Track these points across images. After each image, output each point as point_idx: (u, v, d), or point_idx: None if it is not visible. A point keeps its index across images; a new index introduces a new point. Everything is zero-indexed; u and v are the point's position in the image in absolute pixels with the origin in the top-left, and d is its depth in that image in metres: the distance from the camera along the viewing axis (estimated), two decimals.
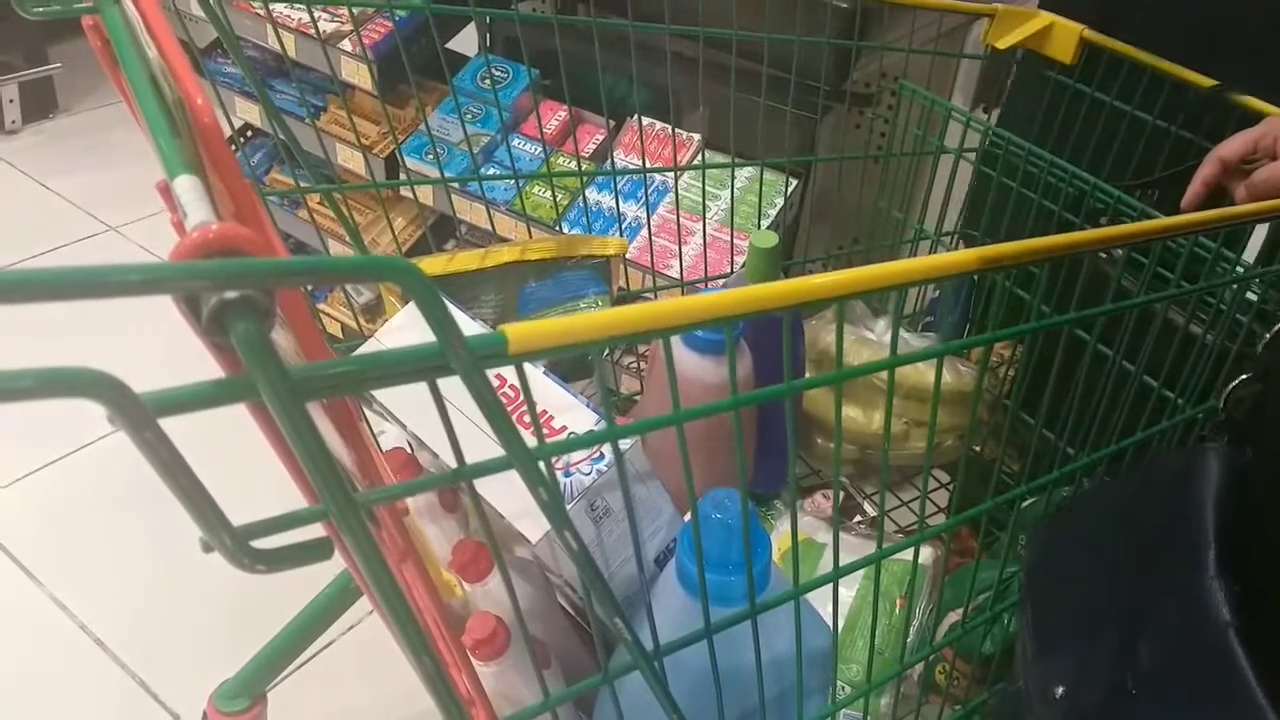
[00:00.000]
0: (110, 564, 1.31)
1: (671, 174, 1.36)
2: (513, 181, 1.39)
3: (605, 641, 0.48)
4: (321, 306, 1.67)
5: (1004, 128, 0.92)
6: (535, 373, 0.63)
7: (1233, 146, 0.77)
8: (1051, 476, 0.61)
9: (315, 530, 0.29)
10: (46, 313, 1.53)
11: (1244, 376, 0.56)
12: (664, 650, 0.44)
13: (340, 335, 1.61)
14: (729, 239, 1.14)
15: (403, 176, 1.53)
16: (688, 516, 0.57)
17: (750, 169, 1.38)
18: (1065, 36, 0.93)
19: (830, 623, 0.53)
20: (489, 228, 1.36)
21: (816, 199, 1.40)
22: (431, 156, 1.49)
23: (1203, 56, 0.87)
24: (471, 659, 0.56)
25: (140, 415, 0.22)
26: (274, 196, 1.66)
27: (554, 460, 0.57)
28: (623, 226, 1.40)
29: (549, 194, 1.42)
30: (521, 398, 0.60)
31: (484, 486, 0.55)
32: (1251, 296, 0.82)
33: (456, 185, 1.43)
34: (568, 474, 0.57)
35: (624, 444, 0.61)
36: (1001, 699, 0.75)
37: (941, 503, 1.08)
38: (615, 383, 1.12)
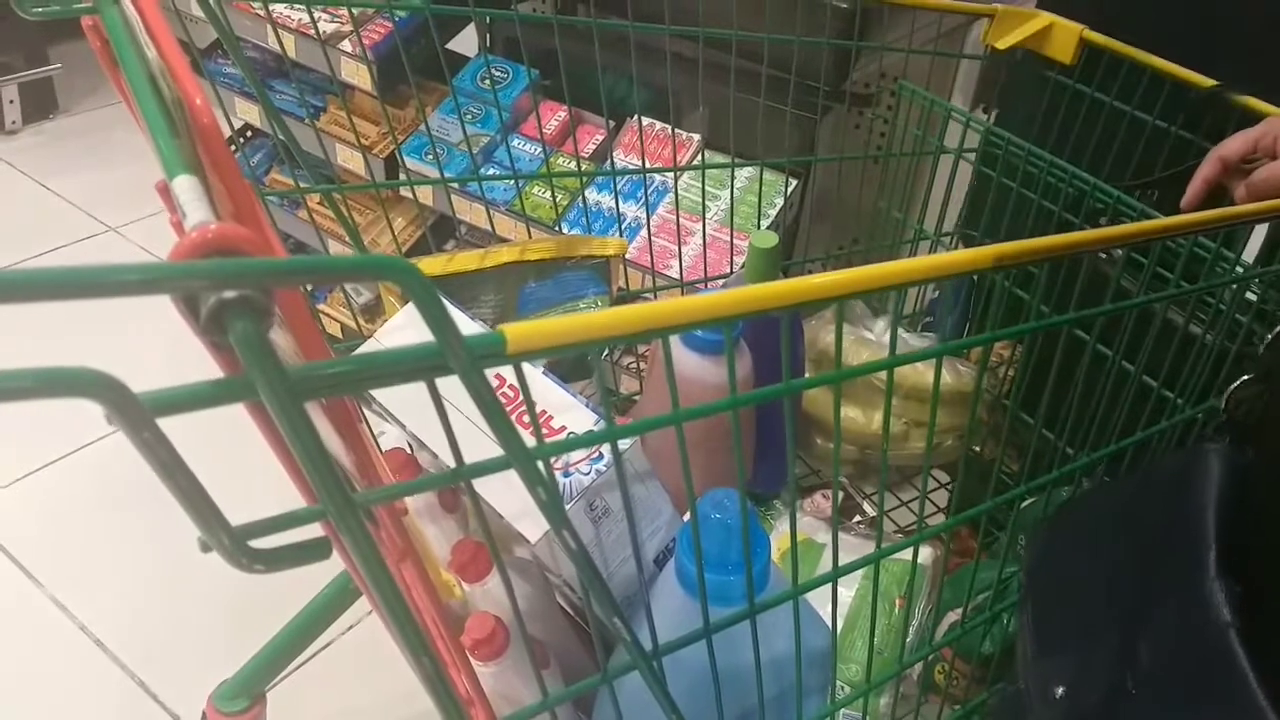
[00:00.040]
0: (110, 564, 1.31)
1: (671, 174, 1.36)
2: (512, 182, 1.39)
3: (604, 641, 0.48)
4: (321, 307, 1.67)
5: (1004, 128, 0.92)
6: (535, 373, 0.63)
7: (1233, 146, 0.77)
8: (1051, 476, 0.61)
9: (314, 530, 0.29)
10: (47, 313, 1.53)
11: (1245, 378, 0.56)
12: (663, 650, 0.44)
13: (340, 335, 1.61)
14: (729, 239, 1.14)
15: (402, 177, 1.53)
16: (687, 516, 0.57)
17: (750, 169, 1.38)
18: (1065, 37, 0.93)
19: (829, 623, 0.53)
20: (489, 228, 1.36)
21: (816, 199, 1.40)
22: (431, 157, 1.49)
23: (1202, 56, 0.87)
24: (470, 659, 0.56)
25: (138, 415, 0.22)
26: (274, 197, 1.66)
27: (553, 460, 0.57)
28: (622, 227, 1.40)
29: (549, 194, 1.42)
30: (521, 398, 0.61)
31: (483, 486, 0.55)
32: (1251, 296, 0.82)
33: (456, 185, 1.43)
34: (567, 474, 0.57)
35: (623, 444, 0.61)
36: (1001, 699, 0.75)
37: (941, 503, 1.08)
38: (615, 383, 1.12)
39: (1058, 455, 0.72)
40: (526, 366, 0.51)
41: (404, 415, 0.61)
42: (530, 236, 1.25)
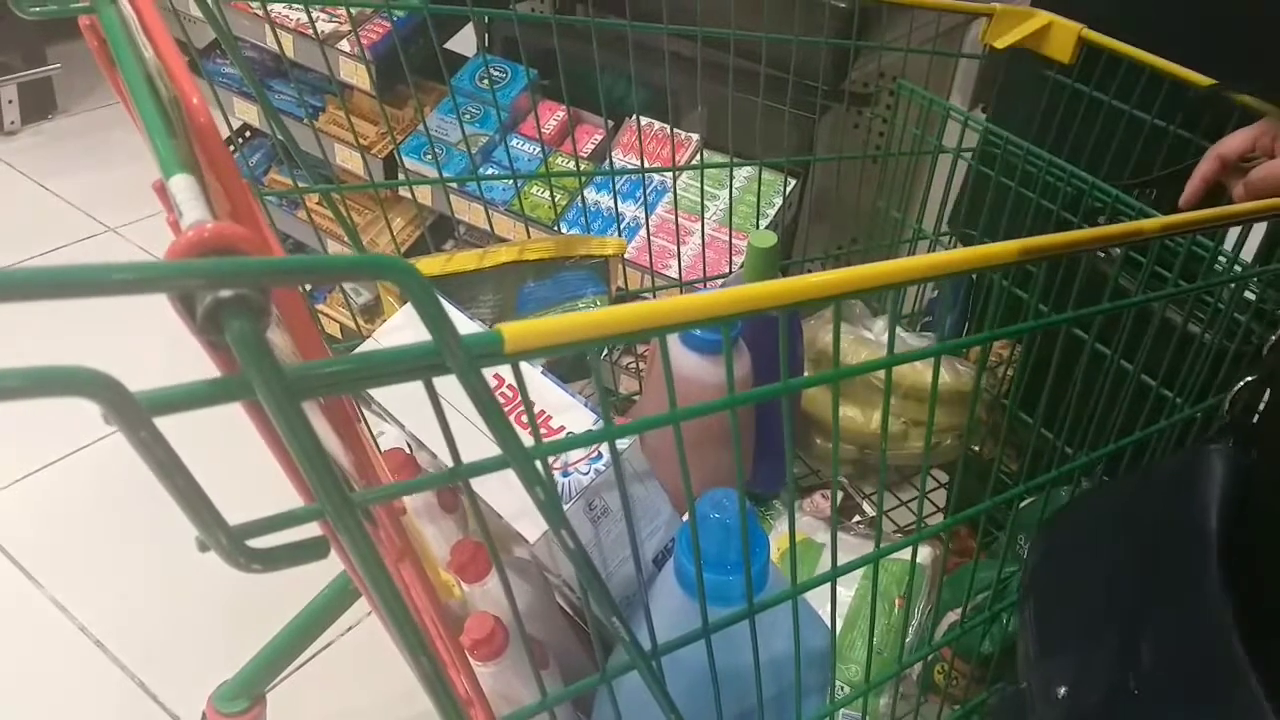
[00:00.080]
0: (110, 565, 1.31)
1: (670, 174, 1.36)
2: (511, 182, 1.39)
3: (603, 641, 0.48)
4: (320, 307, 1.67)
5: (1003, 127, 0.92)
6: (533, 372, 0.63)
7: (1231, 144, 0.77)
8: (1050, 476, 0.61)
9: (312, 530, 0.29)
10: (46, 314, 1.53)
11: (1248, 379, 0.56)
12: (662, 650, 0.44)
13: (339, 336, 1.61)
14: (727, 239, 1.14)
15: (401, 177, 1.53)
16: (686, 516, 0.57)
17: (749, 169, 1.38)
18: (1063, 36, 0.93)
19: (829, 622, 0.53)
20: (487, 228, 1.36)
21: (815, 199, 1.40)
22: (430, 157, 1.49)
23: (1202, 56, 0.87)
24: (470, 659, 0.56)
25: (135, 414, 0.22)
26: (272, 197, 1.66)
27: (552, 460, 0.57)
28: (621, 226, 1.40)
29: (547, 194, 1.42)
30: (519, 397, 0.60)
31: (482, 486, 0.55)
32: (1249, 295, 0.82)
33: (455, 185, 1.43)
34: (566, 474, 0.57)
35: (622, 444, 0.61)
36: (1001, 699, 0.75)
37: (940, 503, 1.08)
38: (614, 383, 1.12)
39: (1056, 454, 0.72)
40: (525, 366, 0.51)
41: (403, 415, 0.61)
42: (529, 236, 1.25)
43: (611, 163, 1.02)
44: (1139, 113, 0.92)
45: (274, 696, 0.98)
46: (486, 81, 1.52)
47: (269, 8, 1.42)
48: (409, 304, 0.25)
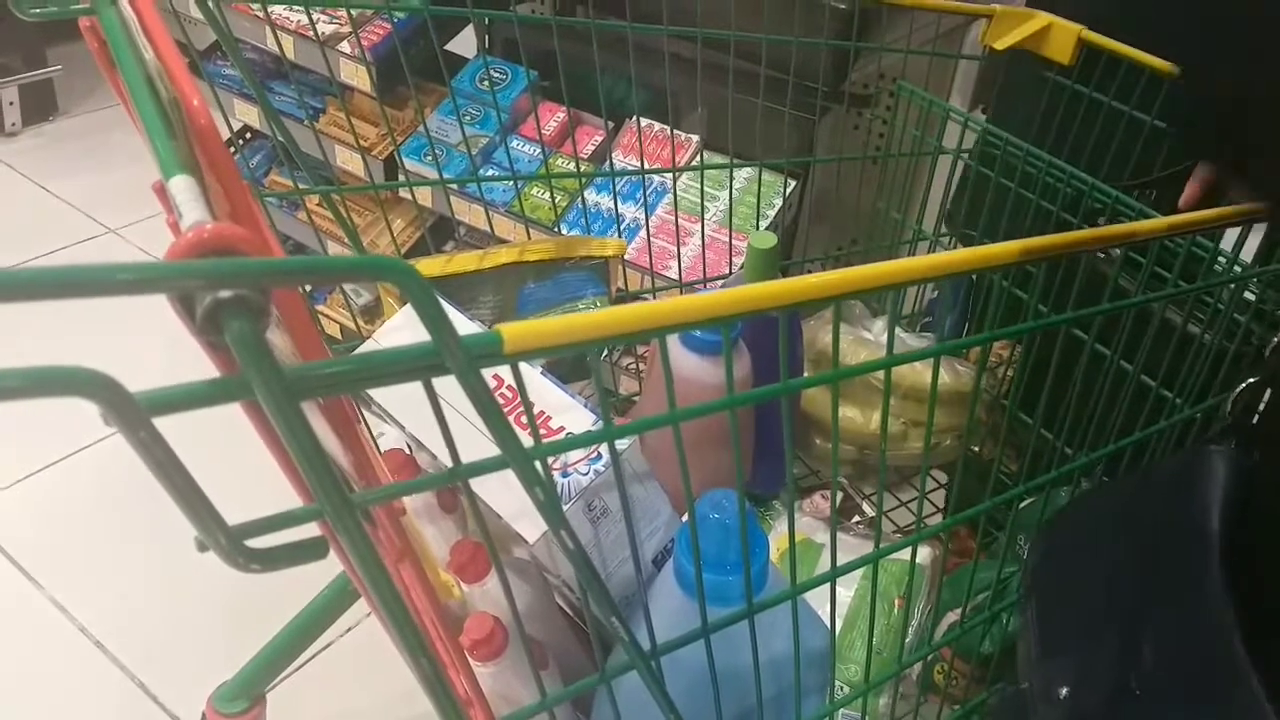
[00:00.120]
0: (110, 566, 1.31)
1: (670, 175, 1.36)
2: (511, 183, 1.39)
3: (603, 641, 0.48)
4: (320, 308, 1.67)
5: (1002, 128, 0.92)
6: (533, 373, 0.63)
7: None
8: (1049, 476, 0.61)
9: (311, 530, 0.29)
10: (46, 314, 1.53)
11: (1251, 380, 0.56)
12: (661, 650, 0.44)
13: (339, 336, 1.61)
14: (727, 240, 1.14)
15: (401, 178, 1.53)
16: (686, 517, 0.58)
17: (749, 170, 1.38)
18: (1063, 37, 0.93)
19: (828, 623, 0.53)
20: (488, 229, 1.36)
21: (815, 200, 1.40)
22: (430, 158, 1.49)
23: (1202, 56, 0.87)
24: (469, 660, 0.56)
25: (134, 414, 0.22)
26: (273, 198, 1.66)
27: (552, 460, 0.57)
28: (621, 227, 1.40)
29: (548, 195, 1.42)
30: (519, 398, 0.60)
31: (481, 487, 0.55)
32: (1249, 296, 0.82)
33: (455, 187, 1.43)
34: (565, 474, 0.57)
35: (621, 444, 0.61)
36: (1001, 699, 0.75)
37: (940, 503, 1.08)
38: (614, 384, 1.12)
39: (1056, 455, 0.72)
40: (525, 367, 0.51)
41: (403, 416, 0.61)
42: (529, 237, 1.26)
43: (611, 164, 1.02)
44: (1139, 114, 0.92)
45: (274, 697, 0.98)
46: (487, 83, 1.52)
47: (269, 9, 1.42)
48: (409, 305, 0.25)
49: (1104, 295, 0.57)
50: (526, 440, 0.32)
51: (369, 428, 0.66)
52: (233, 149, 1.59)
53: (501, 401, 0.59)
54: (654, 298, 1.07)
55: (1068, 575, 0.57)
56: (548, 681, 0.60)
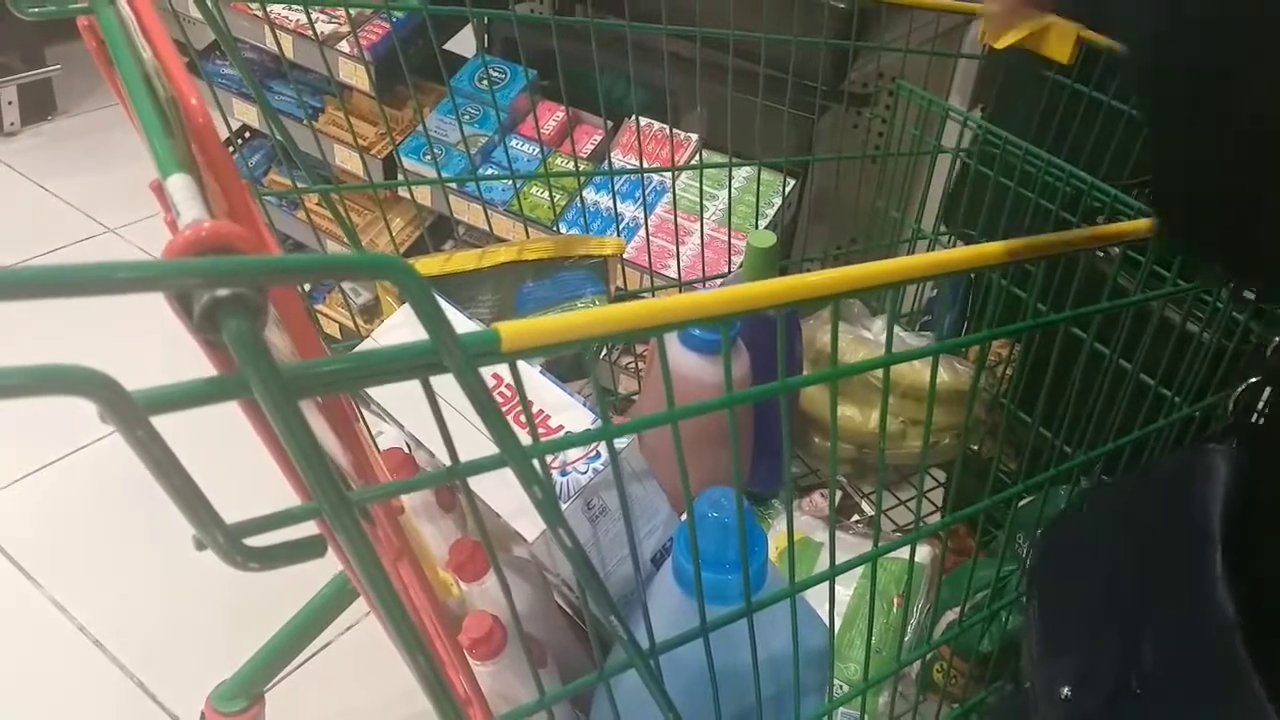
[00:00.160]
0: (109, 565, 1.31)
1: (669, 174, 1.36)
2: (510, 182, 1.39)
3: (601, 640, 0.48)
4: (320, 307, 1.67)
5: (1002, 127, 0.92)
6: (532, 372, 0.63)
7: None
8: (1048, 475, 0.61)
9: (310, 528, 0.29)
10: (46, 314, 1.53)
11: (1253, 380, 0.56)
12: (660, 649, 0.44)
13: (339, 336, 1.61)
14: (726, 239, 1.14)
15: (400, 177, 1.53)
16: (685, 515, 0.58)
17: (748, 169, 1.38)
18: (1062, 36, 0.93)
19: (827, 621, 0.53)
20: (487, 228, 1.36)
21: (814, 199, 1.40)
22: (429, 157, 1.49)
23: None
24: (468, 658, 0.56)
25: (132, 413, 0.22)
26: (272, 197, 1.66)
27: (551, 459, 0.57)
28: (620, 226, 1.40)
29: (547, 194, 1.42)
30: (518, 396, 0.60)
31: (480, 485, 0.55)
32: (1248, 294, 0.82)
33: (454, 186, 1.43)
34: (564, 473, 0.57)
35: (620, 443, 0.61)
36: (1000, 697, 0.76)
37: (939, 502, 1.08)
38: (614, 383, 1.12)
39: (1055, 453, 0.72)
40: (524, 366, 0.51)
41: (402, 415, 0.61)
42: (528, 236, 1.25)
43: (610, 163, 1.02)
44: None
45: (273, 696, 0.98)
46: (486, 82, 1.52)
47: (268, 9, 1.42)
48: (407, 303, 0.25)
49: (1103, 294, 0.57)
50: (525, 439, 0.32)
51: (368, 426, 0.66)
52: (232, 148, 1.59)
53: (500, 400, 0.59)
54: (653, 296, 1.07)
55: (1069, 575, 0.57)
56: (546, 680, 0.60)
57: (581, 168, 1.41)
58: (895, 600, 0.77)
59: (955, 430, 0.96)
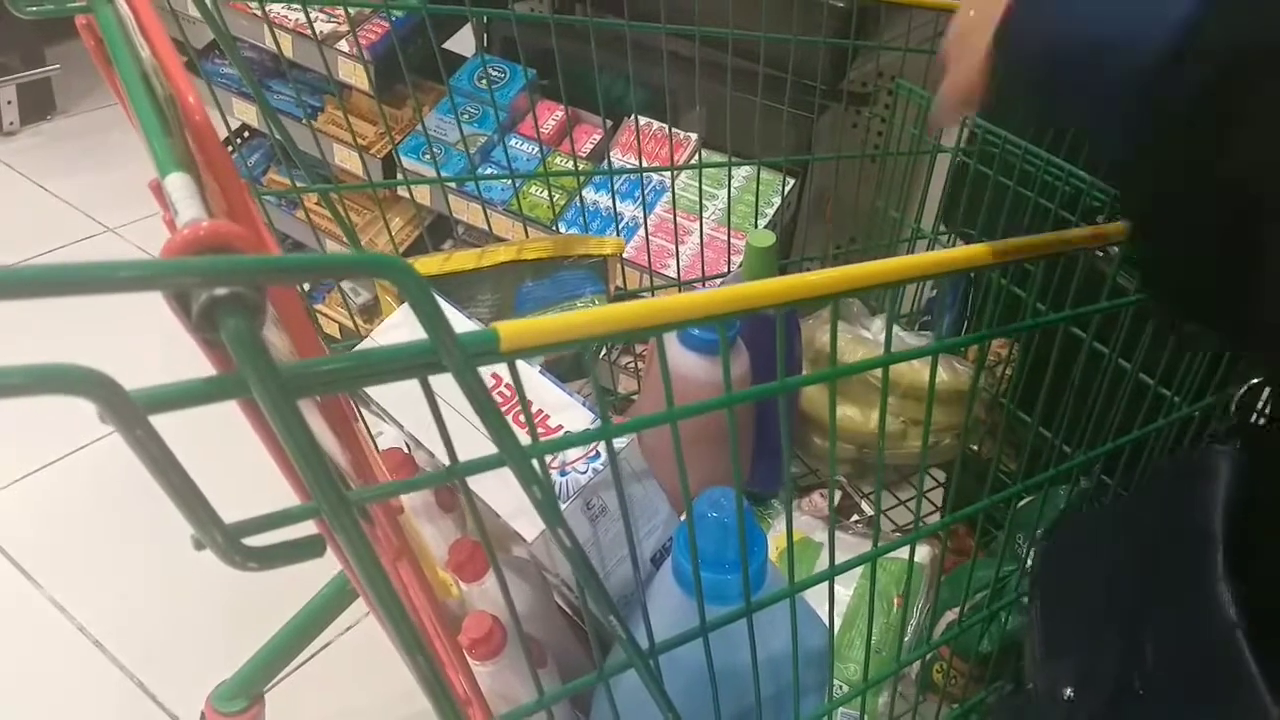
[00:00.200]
0: (109, 565, 1.31)
1: (669, 173, 1.36)
2: (510, 181, 1.39)
3: (601, 640, 0.48)
4: (319, 307, 1.67)
5: (1002, 127, 0.92)
6: (531, 372, 0.63)
7: None
8: (1048, 474, 0.61)
9: (309, 528, 0.29)
10: (46, 314, 1.53)
11: (1254, 380, 0.56)
12: (659, 648, 0.44)
13: (338, 335, 1.61)
14: (726, 238, 1.14)
15: (400, 177, 1.53)
16: (684, 515, 0.58)
17: (747, 168, 1.38)
18: None
19: (827, 621, 0.53)
20: (486, 228, 1.36)
21: (814, 198, 1.40)
22: (428, 157, 1.49)
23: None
24: (467, 658, 0.56)
25: (130, 412, 0.22)
26: (271, 197, 1.66)
27: (550, 459, 0.57)
28: (620, 226, 1.40)
29: (546, 194, 1.42)
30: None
31: (480, 485, 0.55)
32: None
33: (453, 185, 1.43)
34: (564, 473, 0.57)
35: (619, 443, 0.61)
36: (1000, 697, 0.75)
37: (939, 502, 1.08)
38: (613, 383, 1.12)
39: (1055, 453, 0.72)
40: (523, 366, 0.51)
41: (401, 415, 0.61)
42: (527, 236, 1.25)
43: (610, 162, 1.02)
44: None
45: (273, 696, 0.98)
46: (485, 81, 1.52)
47: (267, 8, 1.42)
48: (407, 303, 0.25)
49: (1102, 293, 0.57)
50: (524, 438, 0.32)
51: (367, 426, 0.66)
52: (231, 148, 1.59)
53: (499, 400, 0.59)
54: (652, 296, 1.07)
55: (1072, 576, 0.57)
56: (546, 680, 0.60)
57: (581, 167, 1.41)
58: (895, 600, 0.77)
59: (955, 430, 0.96)
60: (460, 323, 0.66)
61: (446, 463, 0.31)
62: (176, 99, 0.30)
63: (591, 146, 1.48)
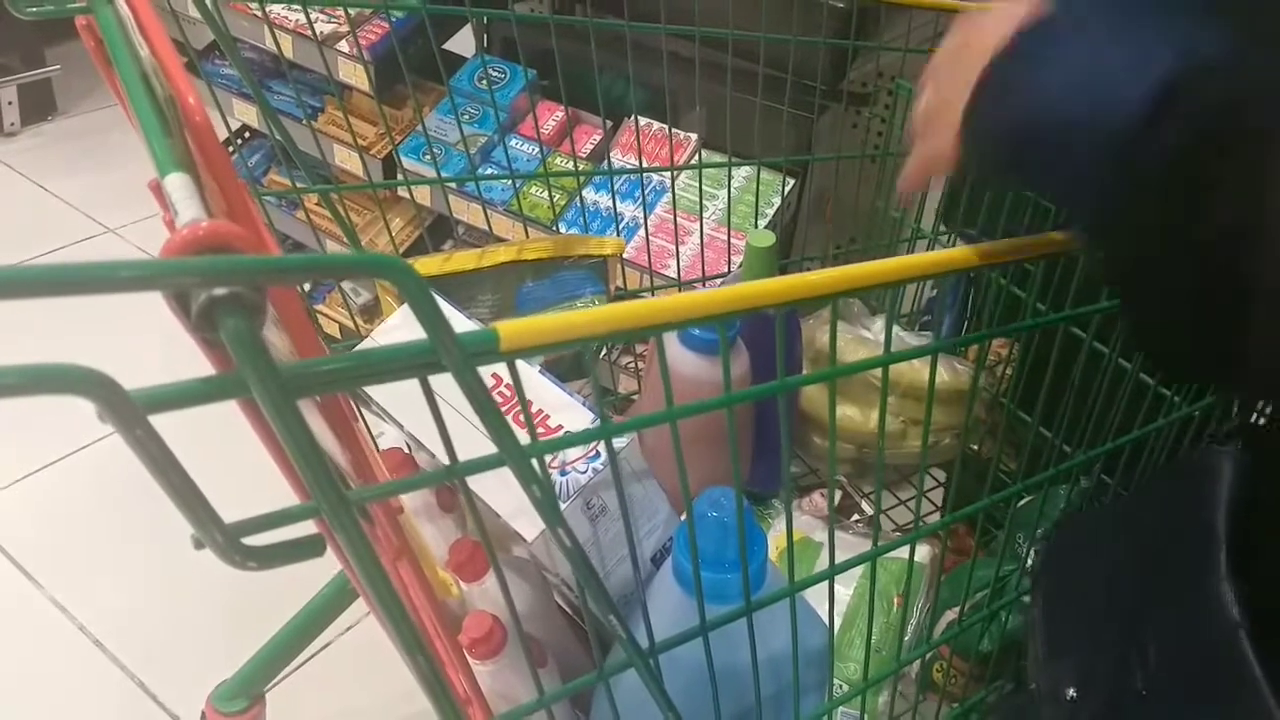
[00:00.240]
0: (109, 565, 1.31)
1: (669, 174, 1.36)
2: (510, 182, 1.39)
3: (601, 639, 0.48)
4: (319, 307, 1.67)
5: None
6: (531, 372, 0.63)
7: None
8: (1048, 474, 0.61)
9: (309, 528, 0.29)
10: (46, 314, 1.53)
11: None
12: (659, 648, 0.44)
13: (339, 336, 1.61)
14: (726, 238, 1.14)
15: (400, 177, 1.53)
16: (684, 515, 0.58)
17: (747, 168, 1.38)
18: None
19: (827, 621, 0.53)
20: (486, 228, 1.36)
21: (814, 198, 1.40)
22: (429, 157, 1.49)
23: None
24: (468, 658, 0.56)
25: (130, 412, 0.22)
26: (271, 197, 1.66)
27: (550, 459, 0.57)
28: (620, 226, 1.40)
29: (546, 194, 1.42)
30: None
31: (479, 485, 0.55)
32: None
33: (454, 186, 1.43)
34: (564, 472, 0.57)
35: (619, 442, 0.61)
36: (1001, 697, 0.75)
37: (939, 501, 1.08)
38: (613, 382, 1.12)
39: (1055, 453, 0.72)
40: (523, 366, 0.51)
41: (402, 415, 0.61)
42: (528, 236, 1.25)
43: (610, 163, 1.02)
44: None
45: (273, 696, 0.98)
46: (485, 82, 1.52)
47: (267, 8, 1.42)
48: (407, 303, 0.25)
49: (1102, 293, 0.56)
50: (524, 438, 0.32)
51: (367, 426, 0.66)
52: (231, 148, 1.59)
53: (499, 400, 0.59)
54: (652, 296, 1.07)
55: (1075, 576, 0.57)
56: (546, 680, 0.60)
57: (581, 167, 1.41)
58: (895, 600, 0.77)
59: (955, 430, 0.96)
60: (460, 323, 0.66)
61: (446, 463, 0.31)
62: (176, 99, 0.30)
63: (591, 147, 1.48)
